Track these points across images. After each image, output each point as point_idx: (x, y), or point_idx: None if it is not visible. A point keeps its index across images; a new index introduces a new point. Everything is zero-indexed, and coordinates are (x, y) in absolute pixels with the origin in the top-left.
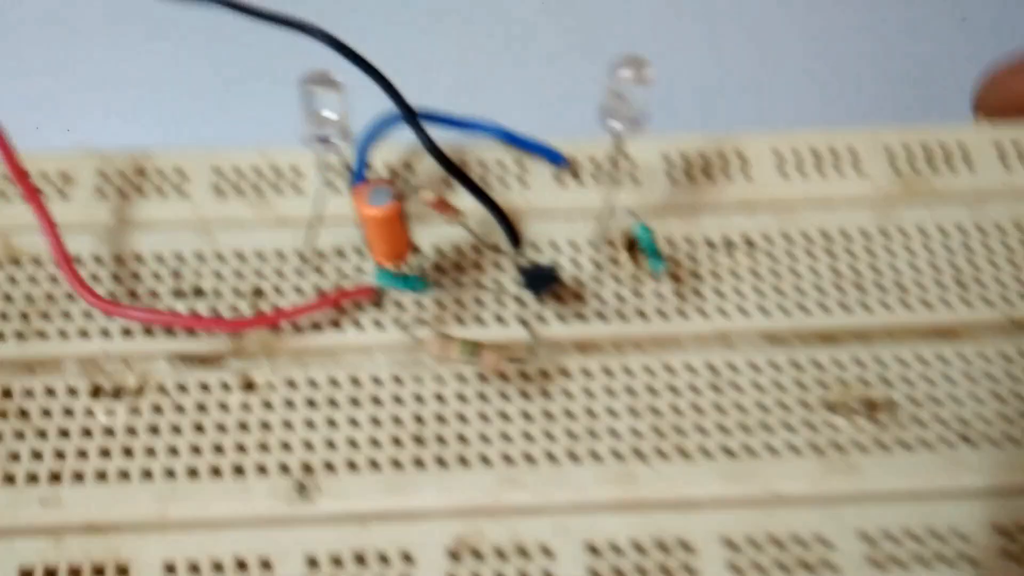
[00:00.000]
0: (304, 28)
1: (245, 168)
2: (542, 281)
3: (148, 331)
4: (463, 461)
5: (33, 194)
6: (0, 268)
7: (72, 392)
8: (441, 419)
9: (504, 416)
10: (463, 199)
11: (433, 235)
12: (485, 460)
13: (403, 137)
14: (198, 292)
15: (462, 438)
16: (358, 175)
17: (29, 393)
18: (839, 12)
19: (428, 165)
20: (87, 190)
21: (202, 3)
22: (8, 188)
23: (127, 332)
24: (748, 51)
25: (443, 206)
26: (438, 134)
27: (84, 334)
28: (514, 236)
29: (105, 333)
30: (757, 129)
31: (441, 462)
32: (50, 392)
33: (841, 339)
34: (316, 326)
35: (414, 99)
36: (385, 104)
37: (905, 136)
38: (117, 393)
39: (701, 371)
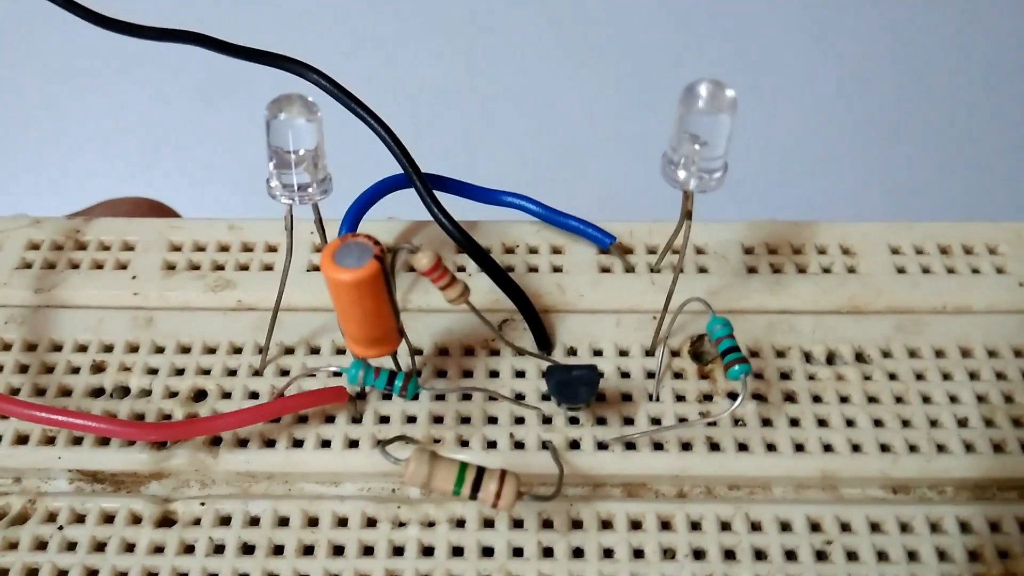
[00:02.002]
0: (288, 63)
1: (208, 243)
2: (576, 389)
3: (50, 439)
4: None
5: None
6: None
7: None
8: None
9: None
10: (479, 288)
11: (430, 320)
12: None
13: (405, 209)
14: (122, 391)
15: None
16: None
17: None
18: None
19: (437, 244)
20: (10, 261)
21: (174, 39)
22: None
23: (22, 439)
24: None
25: (444, 276)
26: (452, 209)
27: None
28: (543, 336)
29: None
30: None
31: None
32: None
33: (997, 492)
34: (268, 441)
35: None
36: (381, 169)
37: None
38: None
39: (800, 530)
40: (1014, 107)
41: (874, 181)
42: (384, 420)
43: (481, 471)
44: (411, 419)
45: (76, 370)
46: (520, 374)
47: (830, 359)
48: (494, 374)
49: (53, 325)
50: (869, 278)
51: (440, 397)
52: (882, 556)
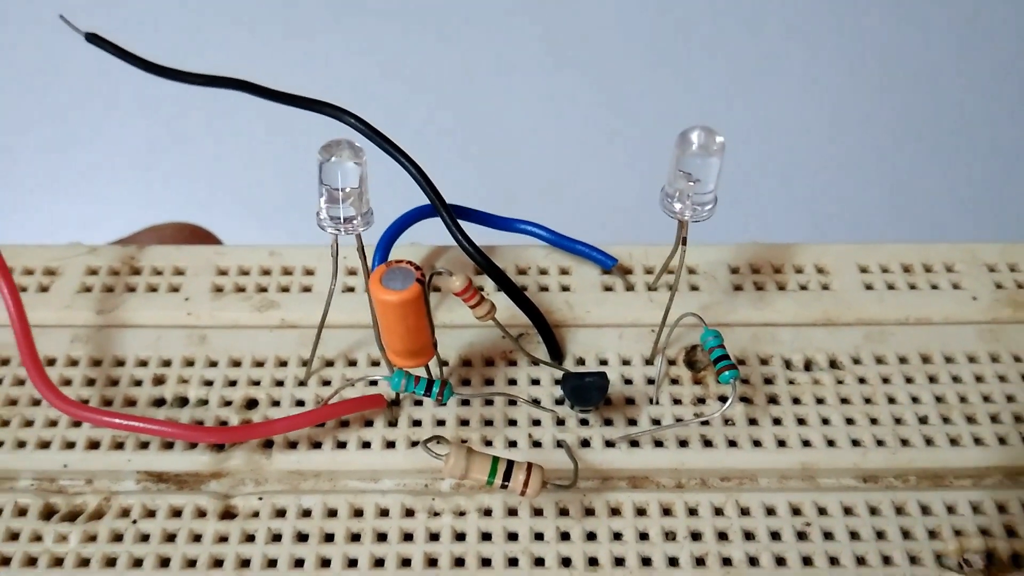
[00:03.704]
0: (326, 108)
1: (252, 268)
2: (589, 393)
3: (118, 444)
4: None
5: (9, 283)
6: None
7: (21, 512)
8: (460, 563)
9: (538, 562)
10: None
11: (455, 335)
12: None
13: (430, 236)
14: (181, 401)
15: None
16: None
17: None
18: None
19: (457, 267)
20: (71, 286)
21: (221, 86)
22: None
23: (94, 445)
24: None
25: (475, 296)
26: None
27: (44, 445)
28: (555, 348)
29: (69, 445)
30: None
31: None
32: None
33: (953, 480)
34: (315, 444)
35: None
36: (391, 198)
37: (1008, 253)
38: (72, 516)
39: (783, 514)
40: (970, 140)
41: (845, 206)
42: (417, 423)
43: (511, 463)
44: (440, 422)
45: (139, 383)
46: (535, 382)
47: (807, 366)
48: (512, 382)
49: (116, 343)
50: (841, 294)
51: (466, 402)
52: (854, 535)
